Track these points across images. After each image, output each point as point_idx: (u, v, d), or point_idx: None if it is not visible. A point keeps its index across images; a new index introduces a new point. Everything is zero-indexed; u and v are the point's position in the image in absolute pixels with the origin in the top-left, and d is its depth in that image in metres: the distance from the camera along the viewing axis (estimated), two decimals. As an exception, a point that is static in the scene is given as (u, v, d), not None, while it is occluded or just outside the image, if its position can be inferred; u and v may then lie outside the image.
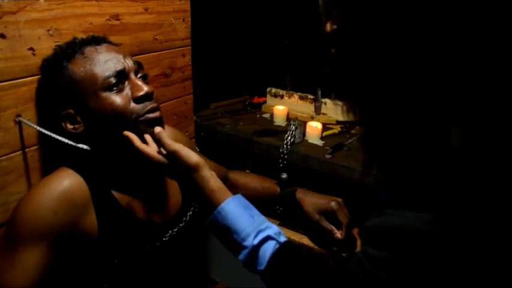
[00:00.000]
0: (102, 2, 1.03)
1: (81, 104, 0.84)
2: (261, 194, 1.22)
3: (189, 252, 1.07)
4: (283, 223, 1.24)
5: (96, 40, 0.88)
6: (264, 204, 1.23)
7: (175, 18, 1.26)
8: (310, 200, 1.13)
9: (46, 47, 0.91)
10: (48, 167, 0.96)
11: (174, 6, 1.24)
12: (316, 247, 1.14)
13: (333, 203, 1.09)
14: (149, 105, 0.85)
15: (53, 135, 0.87)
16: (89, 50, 0.85)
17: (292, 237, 1.17)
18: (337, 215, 1.09)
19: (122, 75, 0.84)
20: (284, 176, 1.19)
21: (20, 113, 0.89)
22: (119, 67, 0.84)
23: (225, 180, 1.28)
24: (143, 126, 0.85)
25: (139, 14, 1.13)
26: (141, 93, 0.84)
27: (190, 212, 1.05)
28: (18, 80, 0.88)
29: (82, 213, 0.84)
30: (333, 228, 1.08)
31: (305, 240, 1.16)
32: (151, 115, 0.85)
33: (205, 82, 1.83)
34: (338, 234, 1.07)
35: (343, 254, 1.09)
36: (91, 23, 1.01)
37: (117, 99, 0.83)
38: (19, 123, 0.89)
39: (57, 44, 0.93)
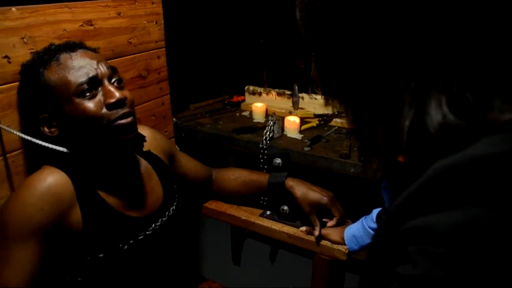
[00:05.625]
0: (74, 8, 1.05)
1: (56, 109, 0.87)
2: (250, 186, 1.26)
3: (174, 246, 1.10)
4: (264, 214, 1.27)
5: (71, 46, 0.90)
6: (254, 196, 1.28)
7: (148, 21, 1.28)
8: (302, 190, 1.16)
9: (21, 55, 0.94)
10: (31, 171, 0.98)
11: (146, 10, 1.27)
12: (296, 235, 1.18)
13: (325, 198, 1.14)
14: (120, 111, 0.87)
15: (33, 139, 0.89)
16: (63, 56, 0.87)
17: (273, 227, 1.20)
18: (331, 210, 1.14)
19: (94, 82, 0.86)
20: (278, 161, 1.22)
21: (-1, 120, 0.91)
22: (92, 73, 0.86)
23: (210, 179, 1.31)
24: (114, 132, 0.87)
25: (112, 18, 1.16)
26: (113, 100, 0.86)
27: (174, 207, 1.08)
28: (-5, 88, 0.90)
29: (67, 208, 0.86)
30: (318, 225, 1.13)
31: (285, 228, 1.19)
32: (122, 121, 0.87)
33: (184, 84, 1.87)
34: (316, 232, 1.12)
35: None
36: (64, 30, 1.03)
37: (89, 105, 0.85)
38: (-2, 129, 0.92)
39: (32, 51, 0.95)
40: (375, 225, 1.02)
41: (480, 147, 0.39)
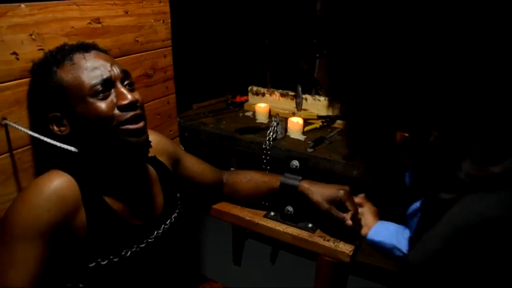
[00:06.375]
0: (82, 6, 1.05)
1: (68, 108, 0.87)
2: (262, 188, 1.25)
3: (176, 252, 1.10)
4: (268, 215, 1.27)
5: (85, 47, 0.91)
6: (266, 198, 1.27)
7: (155, 20, 1.29)
8: (318, 190, 1.14)
9: (29, 51, 0.94)
10: (37, 168, 0.99)
11: (154, 8, 1.27)
12: (300, 237, 1.18)
13: (341, 192, 1.11)
14: (131, 113, 0.87)
15: (40, 136, 0.89)
16: (77, 56, 0.88)
17: (277, 228, 1.20)
18: (345, 203, 1.11)
19: (108, 83, 0.87)
20: (296, 163, 1.21)
21: (6, 116, 0.91)
22: (106, 75, 0.87)
23: (221, 182, 1.30)
24: (124, 135, 0.87)
25: (119, 16, 1.16)
26: (125, 102, 0.87)
27: (175, 214, 1.08)
28: (3, 84, 0.90)
29: (73, 211, 0.86)
30: (344, 215, 1.10)
31: (289, 230, 1.19)
32: (132, 126, 0.88)
33: (187, 83, 1.86)
34: (349, 221, 1.09)
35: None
36: (72, 27, 1.03)
37: (101, 105, 0.85)
38: (5, 126, 0.91)
39: (40, 48, 0.95)
40: (406, 239, 1.01)
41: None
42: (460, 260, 0.48)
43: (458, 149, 0.54)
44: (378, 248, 1.07)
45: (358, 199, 1.20)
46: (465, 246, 0.48)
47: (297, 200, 1.18)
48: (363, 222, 1.15)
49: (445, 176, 0.54)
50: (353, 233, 1.13)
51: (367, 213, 1.17)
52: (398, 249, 1.00)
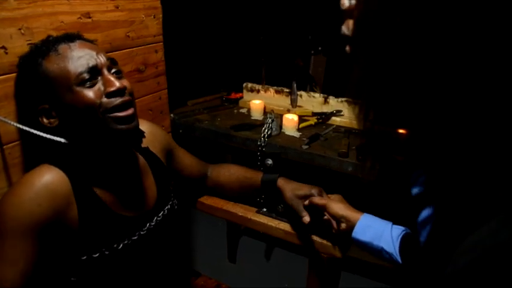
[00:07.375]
0: (72, 0, 1.04)
1: (55, 99, 0.86)
2: (244, 183, 1.26)
3: (169, 245, 1.09)
4: (261, 210, 1.26)
5: (70, 37, 0.90)
6: (248, 193, 1.27)
7: (146, 15, 1.28)
8: (291, 187, 1.17)
9: (18, 46, 0.93)
10: (28, 163, 0.98)
11: (145, 3, 1.27)
12: (292, 232, 1.17)
13: (312, 190, 1.14)
14: (120, 99, 0.87)
15: (30, 129, 0.89)
16: (62, 47, 0.87)
17: (270, 224, 1.20)
18: (313, 200, 1.11)
19: (94, 71, 0.86)
20: (269, 162, 1.24)
21: (-5, 111, 0.91)
22: (92, 63, 0.86)
23: (206, 175, 1.31)
24: (113, 123, 0.86)
25: (110, 11, 1.15)
26: (113, 88, 0.86)
27: (169, 206, 1.08)
28: (-9, 79, 0.90)
29: (64, 204, 0.86)
30: (305, 213, 1.11)
31: (281, 225, 1.19)
32: (121, 113, 0.87)
33: (182, 80, 1.86)
34: (306, 218, 1.10)
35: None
36: (62, 21, 1.02)
37: (89, 93, 0.85)
38: (-5, 120, 0.91)
39: (29, 42, 0.95)
40: (394, 239, 0.97)
41: None
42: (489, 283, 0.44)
43: None
44: (365, 247, 1.01)
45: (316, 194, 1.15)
46: (496, 269, 0.44)
47: (280, 197, 1.19)
48: (342, 217, 1.05)
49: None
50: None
51: (334, 204, 1.08)
52: (387, 252, 0.97)
